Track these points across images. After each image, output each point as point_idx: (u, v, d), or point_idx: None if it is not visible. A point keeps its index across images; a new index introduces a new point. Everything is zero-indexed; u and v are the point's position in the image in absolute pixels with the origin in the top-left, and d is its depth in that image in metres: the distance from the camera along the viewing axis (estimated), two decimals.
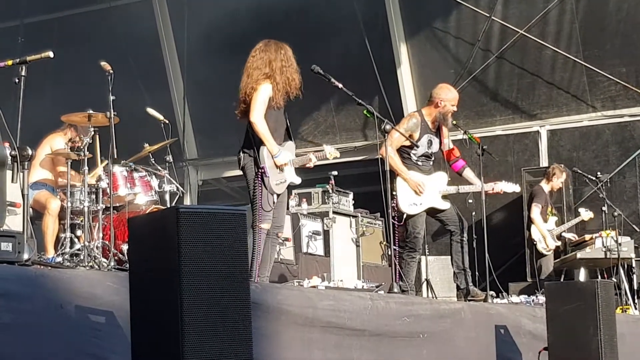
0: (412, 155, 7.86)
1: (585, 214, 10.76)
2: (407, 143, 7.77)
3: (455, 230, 7.94)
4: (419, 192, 7.79)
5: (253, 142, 6.51)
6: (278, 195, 6.62)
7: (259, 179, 6.44)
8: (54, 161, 7.62)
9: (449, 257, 8.15)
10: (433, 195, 7.87)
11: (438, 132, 8.00)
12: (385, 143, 7.11)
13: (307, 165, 6.83)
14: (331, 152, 6.90)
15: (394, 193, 7.61)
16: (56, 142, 7.64)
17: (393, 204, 7.43)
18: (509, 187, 8.27)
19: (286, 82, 6.48)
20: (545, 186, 10.94)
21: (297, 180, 6.80)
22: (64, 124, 7.69)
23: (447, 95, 7.96)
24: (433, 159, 8.03)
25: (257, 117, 6.41)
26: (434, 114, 7.92)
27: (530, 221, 10.81)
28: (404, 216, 7.75)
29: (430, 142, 7.92)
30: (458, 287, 8.17)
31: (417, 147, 7.79)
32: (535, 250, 10.81)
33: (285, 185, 6.68)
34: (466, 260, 7.95)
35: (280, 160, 6.51)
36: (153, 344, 3.76)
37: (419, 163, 7.89)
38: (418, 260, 8.25)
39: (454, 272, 8.07)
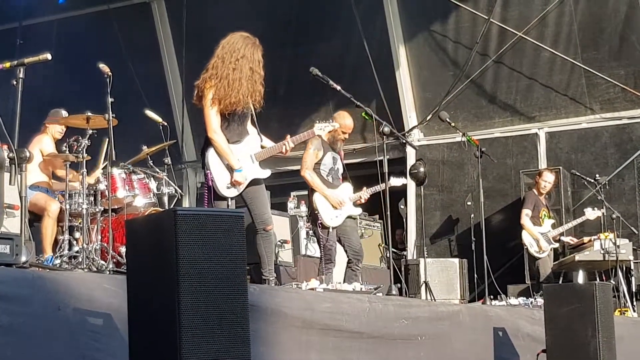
0: (321, 172, 8.04)
1: (592, 214, 10.57)
2: (317, 160, 7.97)
3: (353, 259, 8.13)
4: (340, 206, 8.00)
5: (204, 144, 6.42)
6: (232, 198, 6.33)
7: (205, 185, 6.29)
8: (50, 163, 7.61)
9: (448, 259, 8.12)
10: (347, 205, 8.10)
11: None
12: (303, 168, 7.79)
13: (285, 152, 6.45)
14: (323, 128, 6.69)
15: (316, 211, 7.89)
16: (45, 143, 7.62)
17: (319, 221, 7.84)
18: (398, 182, 8.87)
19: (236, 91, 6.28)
20: (536, 190, 10.90)
21: (264, 174, 6.45)
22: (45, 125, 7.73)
23: (341, 122, 7.95)
24: (340, 176, 8.22)
25: (213, 134, 6.27)
26: (327, 136, 7.99)
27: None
28: (329, 230, 7.94)
29: (334, 159, 8.12)
30: None
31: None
32: (528, 254, 10.78)
33: (245, 185, 6.35)
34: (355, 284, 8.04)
35: (240, 177, 6.27)
36: (151, 346, 3.75)
37: (330, 179, 8.09)
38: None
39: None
